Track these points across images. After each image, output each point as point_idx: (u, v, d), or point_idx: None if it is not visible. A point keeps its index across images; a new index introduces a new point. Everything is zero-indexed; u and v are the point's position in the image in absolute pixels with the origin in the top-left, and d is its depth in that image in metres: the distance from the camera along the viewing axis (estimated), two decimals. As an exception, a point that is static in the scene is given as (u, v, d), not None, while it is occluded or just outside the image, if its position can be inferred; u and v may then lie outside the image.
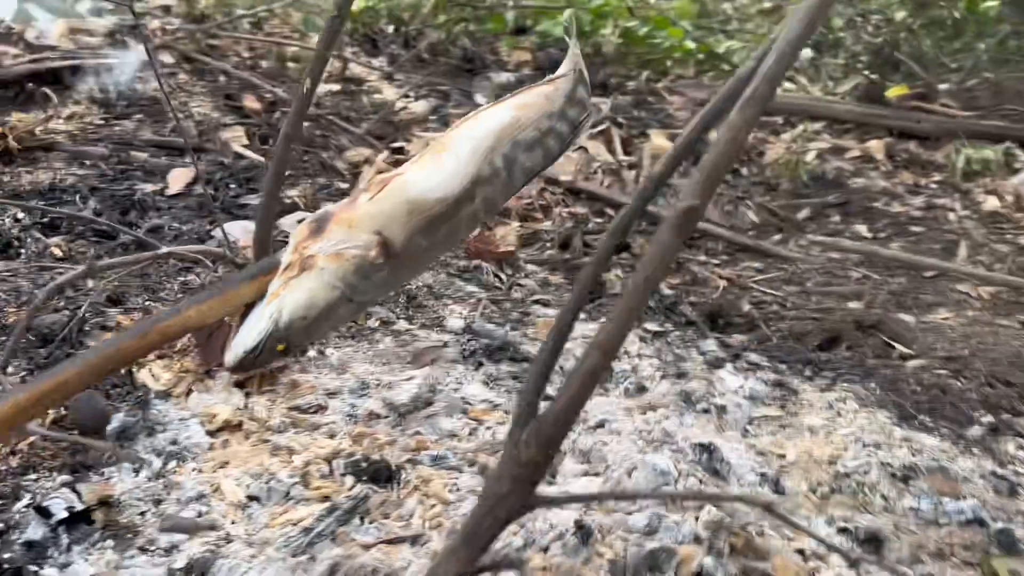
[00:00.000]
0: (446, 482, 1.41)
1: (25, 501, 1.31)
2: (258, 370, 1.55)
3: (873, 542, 1.38)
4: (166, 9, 4.01)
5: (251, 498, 1.36)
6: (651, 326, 2.08)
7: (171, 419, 1.52)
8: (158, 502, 1.34)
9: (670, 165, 0.85)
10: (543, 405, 0.88)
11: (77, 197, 2.37)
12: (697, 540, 1.29)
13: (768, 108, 3.91)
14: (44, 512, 1.26)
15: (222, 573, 1.19)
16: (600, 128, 3.29)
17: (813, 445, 1.62)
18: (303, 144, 2.84)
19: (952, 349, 2.08)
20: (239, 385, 1.62)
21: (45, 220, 2.21)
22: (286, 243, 1.49)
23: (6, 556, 1.21)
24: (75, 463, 1.40)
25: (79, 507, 1.28)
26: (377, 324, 1.93)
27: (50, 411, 1.46)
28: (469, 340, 1.89)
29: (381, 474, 1.41)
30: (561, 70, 1.66)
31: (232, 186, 2.57)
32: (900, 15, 4.55)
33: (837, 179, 3.32)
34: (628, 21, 4.40)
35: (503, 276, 2.27)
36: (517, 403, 0.85)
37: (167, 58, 3.43)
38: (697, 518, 1.32)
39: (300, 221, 1.34)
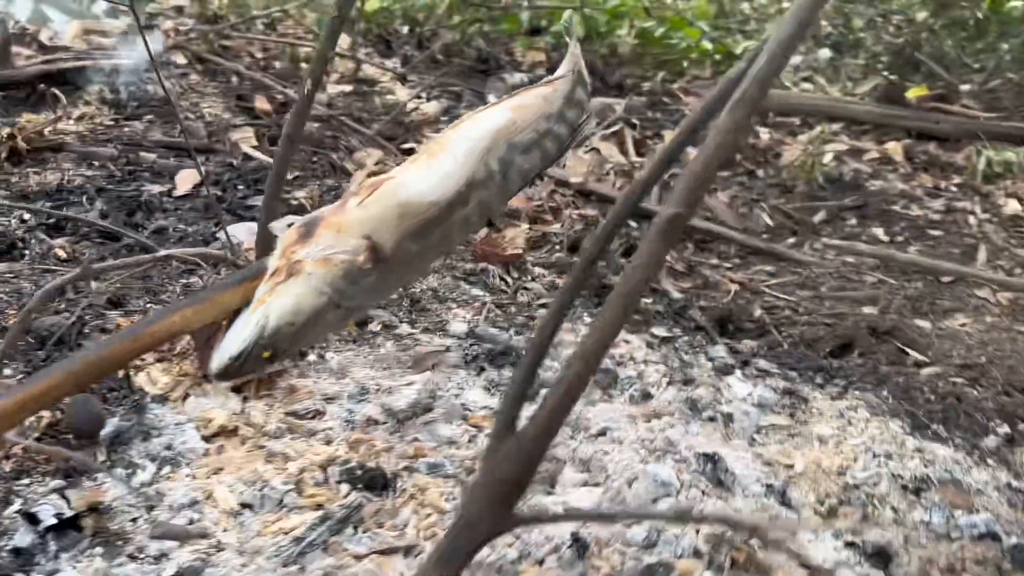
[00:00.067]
0: (443, 491, 1.39)
1: (15, 507, 1.30)
2: (243, 378, 1.53)
3: (881, 557, 1.34)
4: (179, 9, 4.01)
5: (244, 505, 1.34)
6: (659, 331, 2.04)
7: (167, 423, 1.51)
8: (150, 508, 1.32)
9: (658, 169, 0.82)
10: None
11: (84, 198, 2.36)
12: (697, 554, 1.26)
13: (785, 109, 3.86)
14: (32, 518, 1.25)
15: (210, 583, 1.18)
16: (613, 129, 3.25)
17: (822, 455, 1.58)
18: (312, 145, 2.82)
19: (968, 356, 2.03)
20: (236, 390, 1.60)
21: (50, 221, 2.20)
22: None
23: (-7, 563, 1.20)
24: (68, 468, 1.38)
25: (68, 513, 1.26)
26: (379, 328, 1.90)
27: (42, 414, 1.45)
28: (472, 345, 1.86)
29: (376, 482, 1.39)
30: (560, 71, 1.63)
31: (240, 187, 2.56)
32: (921, 15, 4.48)
33: (854, 181, 3.26)
34: (644, 21, 4.35)
35: (509, 279, 2.23)
36: (495, 417, 0.82)
37: (179, 58, 3.42)
38: (698, 531, 1.29)
39: (289, 225, 1.30)
